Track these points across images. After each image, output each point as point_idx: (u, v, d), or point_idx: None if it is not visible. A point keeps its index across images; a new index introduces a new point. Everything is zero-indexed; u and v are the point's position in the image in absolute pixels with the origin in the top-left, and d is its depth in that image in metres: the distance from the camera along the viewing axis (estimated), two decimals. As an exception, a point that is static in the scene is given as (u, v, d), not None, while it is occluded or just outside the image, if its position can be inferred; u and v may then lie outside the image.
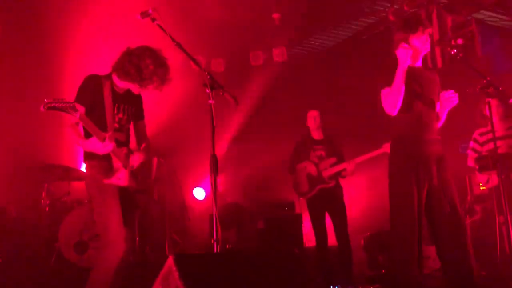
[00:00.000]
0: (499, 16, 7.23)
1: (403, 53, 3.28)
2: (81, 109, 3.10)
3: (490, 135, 4.97)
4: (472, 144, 5.21)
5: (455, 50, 3.55)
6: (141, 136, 3.55)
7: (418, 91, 3.42)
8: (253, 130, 7.80)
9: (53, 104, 2.90)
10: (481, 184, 5.64)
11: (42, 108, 2.89)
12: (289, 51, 8.03)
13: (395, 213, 3.38)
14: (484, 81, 3.47)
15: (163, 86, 3.31)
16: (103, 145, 3.07)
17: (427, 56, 3.68)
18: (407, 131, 3.42)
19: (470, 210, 5.79)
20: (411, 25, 3.47)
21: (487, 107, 4.90)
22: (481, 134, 5.10)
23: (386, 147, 4.78)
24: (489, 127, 5.01)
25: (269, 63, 7.97)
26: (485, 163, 4.57)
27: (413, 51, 3.41)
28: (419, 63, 3.56)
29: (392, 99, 3.34)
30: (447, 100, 3.43)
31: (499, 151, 4.84)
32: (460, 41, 3.69)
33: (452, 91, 3.46)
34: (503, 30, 7.44)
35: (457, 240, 3.30)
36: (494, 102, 4.98)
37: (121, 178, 3.20)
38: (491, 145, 4.94)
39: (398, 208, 3.36)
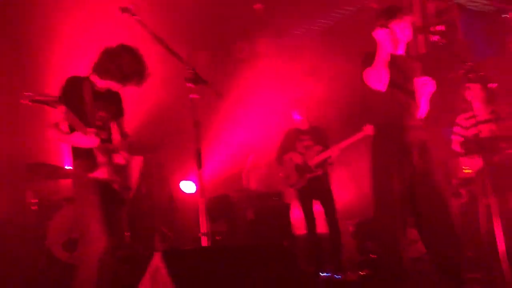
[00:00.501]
0: (480, 0, 7.28)
1: (381, 34, 3.30)
2: (63, 108, 3.12)
3: (472, 120, 5.03)
4: (456, 128, 5.25)
5: (437, 36, 3.58)
6: (123, 132, 3.60)
7: (397, 79, 3.44)
8: (239, 122, 7.79)
9: (36, 98, 2.95)
10: (465, 168, 5.73)
11: (23, 101, 2.94)
12: (273, 41, 8.00)
13: (378, 200, 3.42)
14: (465, 66, 3.50)
15: (142, 84, 3.39)
16: (87, 138, 3.13)
17: (409, 43, 3.69)
18: (389, 118, 3.45)
19: (456, 193, 5.88)
20: (391, 11, 3.49)
21: (470, 92, 4.98)
22: (466, 119, 5.15)
23: (367, 129, 4.83)
24: (472, 112, 5.08)
25: (254, 54, 7.95)
26: (470, 147, 4.63)
27: (393, 38, 3.44)
28: (401, 51, 3.58)
29: (375, 76, 3.34)
30: (423, 87, 3.46)
31: (482, 135, 4.91)
32: (441, 27, 3.71)
33: (427, 77, 3.49)
34: (485, 15, 7.49)
35: (443, 224, 3.35)
36: (477, 87, 5.04)
37: (104, 172, 3.25)
38: (474, 130, 5.00)
39: (381, 194, 3.40)
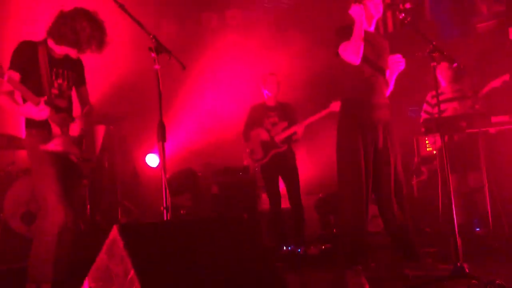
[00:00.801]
0: (449, -21, 7.34)
1: (357, 9, 3.30)
2: (15, 75, 3.01)
3: (442, 97, 5.13)
4: (425, 106, 5.34)
5: (403, 14, 3.59)
6: (83, 101, 3.46)
7: (369, 55, 3.46)
8: (207, 94, 7.69)
9: None
10: (428, 145, 5.86)
11: None
12: (243, 13, 7.87)
13: (342, 175, 3.46)
14: (431, 45, 3.53)
15: (101, 50, 3.23)
16: (38, 110, 2.98)
17: (378, 20, 3.71)
18: (356, 95, 3.48)
19: (417, 171, 6.03)
20: None
21: (438, 70, 5.05)
22: (433, 97, 5.23)
23: (333, 106, 4.87)
24: (440, 90, 5.17)
25: (222, 25, 7.81)
26: (430, 125, 4.72)
27: (367, 14, 3.44)
28: (372, 28, 3.59)
29: (353, 49, 3.34)
30: (395, 64, 3.50)
31: (447, 113, 5.01)
32: (408, 5, 3.73)
33: (399, 55, 3.53)
34: (452, -5, 7.57)
35: (399, 203, 3.46)
36: (444, 65, 5.12)
37: (58, 144, 3.11)
38: (441, 107, 5.09)
39: (345, 170, 3.44)
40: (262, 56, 7.47)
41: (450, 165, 3.45)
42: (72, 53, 3.23)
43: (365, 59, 3.43)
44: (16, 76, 3.03)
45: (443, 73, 5.21)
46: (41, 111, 2.99)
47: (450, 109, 5.11)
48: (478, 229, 5.06)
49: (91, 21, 3.14)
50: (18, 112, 3.11)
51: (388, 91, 3.62)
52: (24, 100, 3.06)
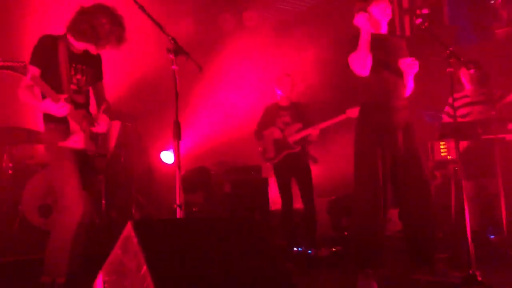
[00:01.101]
0: (468, -16, 7.26)
1: (361, 19, 3.31)
2: (35, 70, 3.03)
3: (464, 100, 5.09)
4: (446, 108, 5.29)
5: (420, 19, 3.59)
6: (100, 97, 3.49)
7: (383, 58, 3.46)
8: (222, 94, 7.75)
9: (1, 63, 2.83)
10: (442, 150, 5.82)
11: None
12: (260, 15, 7.91)
13: (359, 178, 3.45)
14: (447, 51, 3.52)
15: (120, 46, 3.24)
16: (58, 107, 3.00)
17: (395, 23, 3.72)
18: (374, 98, 3.48)
19: (431, 175, 5.99)
20: None
21: (461, 73, 5.01)
22: (455, 99, 5.18)
23: (350, 112, 4.87)
24: (464, 92, 5.12)
25: (239, 27, 7.85)
26: (445, 130, 4.70)
27: (374, 18, 3.45)
28: (383, 30, 3.59)
29: (360, 61, 3.37)
30: (408, 67, 3.49)
31: (471, 116, 4.97)
32: (425, 10, 3.72)
33: (412, 58, 3.52)
34: (472, 0, 7.49)
35: (423, 204, 3.42)
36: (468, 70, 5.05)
37: (77, 141, 3.15)
38: (464, 110, 5.06)
39: (361, 173, 3.43)
40: (278, 57, 7.50)
41: (465, 171, 3.43)
42: (91, 48, 3.25)
43: (380, 62, 3.43)
44: (37, 71, 3.05)
45: (467, 76, 5.16)
46: (61, 108, 3.01)
47: (475, 112, 5.05)
48: (492, 236, 5.01)
49: (110, 17, 3.15)
50: (38, 108, 3.14)
51: (407, 92, 3.62)
52: (43, 96, 3.08)
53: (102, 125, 3.31)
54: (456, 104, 5.09)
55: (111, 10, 3.18)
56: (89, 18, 3.12)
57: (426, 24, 3.58)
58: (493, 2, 7.39)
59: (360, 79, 3.53)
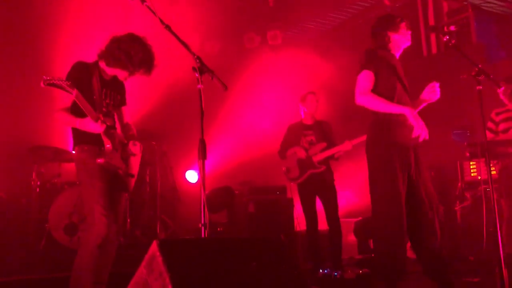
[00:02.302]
0: (496, 1, 7.17)
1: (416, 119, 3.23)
2: (80, 96, 3.17)
3: (506, 115, 4.95)
4: (488, 123, 5.15)
5: (447, 37, 3.54)
6: (122, 121, 3.63)
7: (399, 77, 3.43)
8: (246, 113, 7.77)
9: (52, 81, 3.01)
10: (472, 170, 5.66)
11: (42, 84, 3.00)
12: (284, 34, 7.96)
13: (381, 197, 3.30)
14: (476, 68, 3.45)
15: (150, 73, 3.44)
16: (96, 125, 3.16)
17: (421, 41, 3.69)
18: (389, 116, 3.38)
19: (460, 196, 5.83)
20: (387, 23, 3.51)
21: (499, 90, 4.88)
22: (497, 114, 5.05)
23: None
24: (506, 107, 4.98)
25: (264, 46, 7.91)
26: (475, 150, 4.58)
27: (395, 45, 3.48)
28: (398, 54, 3.59)
29: (373, 106, 3.35)
30: (431, 93, 3.44)
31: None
32: (452, 27, 3.68)
33: (436, 83, 3.47)
34: (500, 17, 7.38)
35: (430, 231, 3.31)
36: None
37: (113, 157, 3.28)
38: (506, 125, 4.93)
39: (383, 190, 3.29)
40: (302, 76, 7.50)
41: (498, 191, 3.32)
42: (122, 74, 3.42)
43: (393, 83, 3.40)
44: (77, 93, 3.16)
45: (506, 92, 5.02)
46: (99, 126, 3.16)
47: None
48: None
49: (143, 46, 3.34)
50: (77, 125, 3.24)
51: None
52: (83, 114, 3.18)
53: (136, 149, 3.49)
54: (497, 119, 4.99)
55: (143, 39, 3.37)
56: (124, 46, 3.30)
57: (453, 41, 3.53)
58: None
59: (377, 90, 3.46)
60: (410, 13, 7.04)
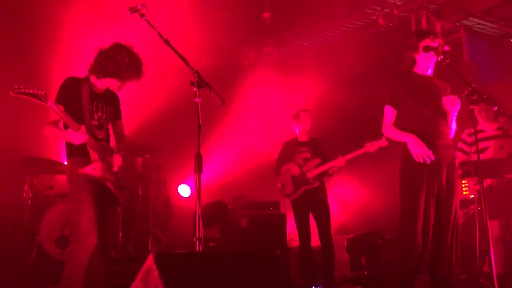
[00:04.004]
0: (487, 23, 7.32)
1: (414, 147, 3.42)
2: (60, 107, 3.19)
3: (481, 135, 5.00)
4: (460, 144, 5.22)
5: (441, 56, 3.60)
6: (118, 135, 3.65)
7: (427, 98, 3.53)
8: (240, 128, 7.80)
9: (22, 90, 2.97)
10: (464, 189, 5.70)
11: (11, 93, 2.99)
12: (279, 50, 8.03)
13: (402, 215, 3.45)
14: (469, 88, 3.51)
15: (140, 77, 3.46)
16: (77, 135, 3.13)
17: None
18: (419, 137, 3.47)
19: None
20: (423, 32, 3.69)
21: (476, 109, 4.94)
22: (469, 135, 5.10)
23: (368, 147, 4.85)
24: (478, 127, 5.04)
25: (259, 62, 7.97)
26: (468, 168, 4.61)
27: (422, 59, 3.57)
28: (430, 72, 3.66)
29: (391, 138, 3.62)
30: (450, 105, 3.50)
31: (489, 150, 4.88)
32: (446, 47, 3.74)
33: (451, 96, 3.52)
34: (491, 38, 7.53)
35: (446, 243, 3.38)
36: (483, 105, 5.01)
37: (96, 168, 3.26)
38: (483, 145, 4.97)
39: (405, 211, 3.44)
40: (297, 93, 7.55)
41: (490, 210, 3.35)
42: (114, 84, 3.45)
43: (424, 102, 3.49)
44: (61, 108, 3.20)
45: (481, 112, 5.09)
46: (80, 136, 3.14)
47: (492, 146, 4.96)
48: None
49: (129, 52, 3.40)
50: (60, 137, 3.28)
51: (452, 133, 3.63)
52: (65, 126, 3.25)
53: (117, 160, 3.43)
54: (469, 139, 5.05)
55: (128, 47, 3.43)
56: (110, 54, 3.36)
57: (447, 61, 3.58)
58: (512, 40, 7.42)
59: (401, 118, 3.60)
60: (404, 32, 7.15)
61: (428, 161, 3.37)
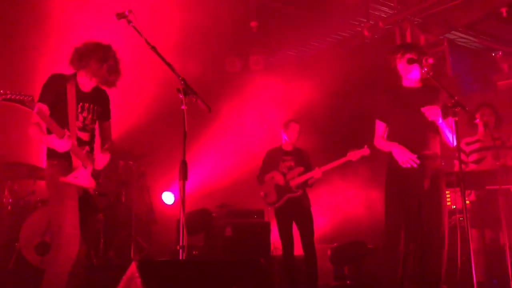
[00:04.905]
0: (470, 37, 7.47)
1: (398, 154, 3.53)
2: (43, 107, 3.12)
3: (476, 145, 5.05)
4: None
5: (425, 69, 3.65)
6: (105, 136, 3.54)
7: (411, 111, 3.57)
8: (225, 136, 7.79)
9: (9, 96, 2.87)
10: (448, 200, 5.76)
11: None
12: (266, 59, 8.07)
13: (386, 224, 3.58)
14: (453, 100, 3.56)
15: (118, 66, 3.37)
16: (61, 142, 3.05)
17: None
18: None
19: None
20: (394, 49, 3.75)
21: (477, 116, 4.99)
22: (468, 144, 5.16)
23: (351, 155, 4.88)
24: (476, 137, 5.10)
25: (246, 70, 8.00)
26: (450, 179, 4.67)
27: (408, 72, 3.64)
28: (417, 84, 3.73)
29: (381, 148, 3.75)
30: (429, 115, 3.55)
31: (486, 160, 4.93)
32: (430, 60, 3.80)
33: (431, 106, 3.56)
34: (473, 52, 7.69)
35: (435, 255, 3.43)
36: (487, 111, 5.04)
37: (78, 177, 3.17)
38: (478, 155, 5.02)
39: (387, 221, 3.57)
40: (283, 101, 7.59)
41: (470, 221, 3.40)
42: (90, 74, 3.29)
43: (411, 113, 3.55)
44: (45, 108, 3.13)
45: (483, 121, 5.12)
46: (64, 143, 3.06)
47: (489, 156, 5.02)
48: (498, 289, 4.88)
49: (97, 42, 3.34)
50: (42, 141, 3.17)
51: (447, 141, 3.67)
52: (49, 131, 3.12)
53: (98, 162, 3.32)
54: (467, 149, 5.10)
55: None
56: (79, 46, 3.30)
57: (431, 73, 3.64)
58: (494, 54, 7.58)
59: (390, 129, 3.72)
60: (388, 45, 7.26)
61: (415, 166, 3.43)
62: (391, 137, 3.70)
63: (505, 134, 5.11)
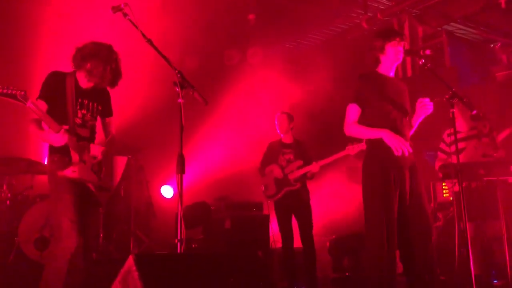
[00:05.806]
0: (468, 29, 7.45)
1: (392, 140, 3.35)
2: (42, 104, 3.13)
3: (458, 136, 5.06)
4: (441, 144, 5.26)
5: (423, 60, 3.63)
6: (108, 132, 3.55)
7: (393, 100, 3.49)
8: (224, 129, 7.78)
9: (0, 90, 2.88)
10: (444, 191, 5.78)
11: None
12: (264, 52, 8.05)
13: (367, 216, 3.39)
14: (450, 91, 3.55)
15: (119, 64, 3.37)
16: (57, 136, 3.06)
17: (397, 65, 3.77)
18: (379, 140, 3.44)
19: (432, 216, 5.93)
20: (389, 34, 3.58)
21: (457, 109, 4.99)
22: (449, 135, 5.16)
23: (350, 149, 4.87)
24: (457, 128, 5.09)
25: (243, 63, 7.98)
26: (448, 171, 4.68)
27: (387, 60, 3.52)
28: (392, 73, 3.64)
29: (357, 134, 3.52)
30: (423, 108, 3.50)
31: (466, 151, 4.95)
32: (428, 51, 3.79)
33: (427, 99, 3.53)
34: (472, 43, 7.67)
35: (423, 248, 3.35)
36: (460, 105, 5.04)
37: (75, 171, 3.17)
38: (459, 145, 5.02)
39: (369, 211, 3.38)
40: (281, 94, 7.58)
41: (468, 212, 3.39)
42: (89, 73, 3.28)
43: (389, 101, 3.46)
44: (43, 105, 3.14)
45: (461, 112, 5.14)
46: (59, 138, 3.07)
47: (469, 147, 5.03)
48: (496, 280, 4.91)
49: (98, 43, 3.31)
50: (40, 137, 3.20)
51: (410, 133, 3.63)
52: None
53: (95, 149, 3.32)
54: (449, 140, 5.10)
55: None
56: (80, 47, 3.28)
57: (429, 65, 3.62)
58: (492, 46, 7.57)
59: (366, 117, 3.54)
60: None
61: (406, 153, 3.36)
62: (369, 124, 3.47)
63: (481, 124, 5.11)
